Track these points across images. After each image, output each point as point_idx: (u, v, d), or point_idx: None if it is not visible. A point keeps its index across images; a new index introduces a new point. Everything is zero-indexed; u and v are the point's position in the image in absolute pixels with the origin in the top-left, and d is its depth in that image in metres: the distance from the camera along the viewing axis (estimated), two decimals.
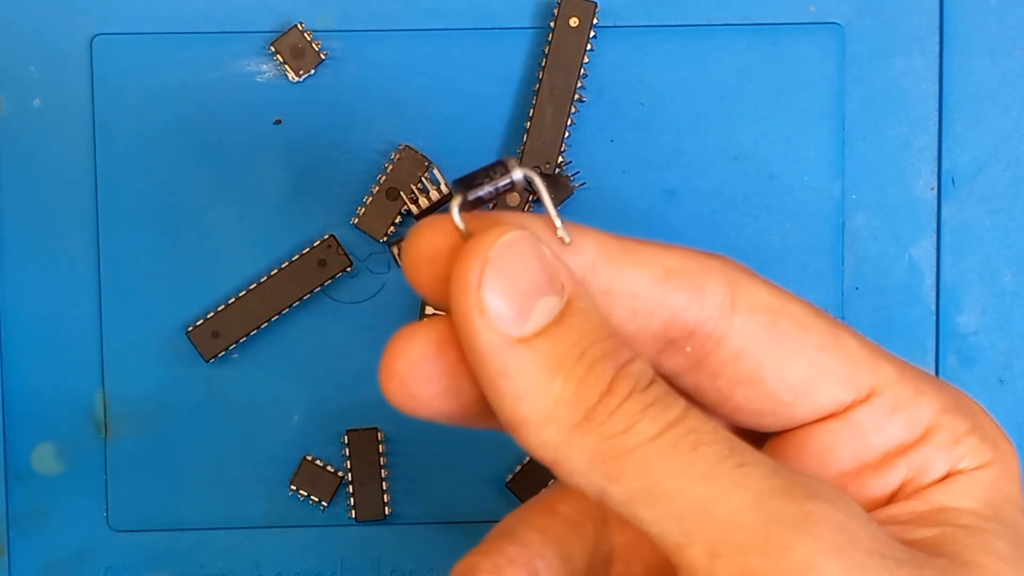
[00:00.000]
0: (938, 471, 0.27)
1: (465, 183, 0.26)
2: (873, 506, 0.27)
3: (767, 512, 0.23)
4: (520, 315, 0.25)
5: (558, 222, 0.26)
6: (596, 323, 0.25)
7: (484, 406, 0.26)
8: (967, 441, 0.27)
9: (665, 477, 0.24)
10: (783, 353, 0.27)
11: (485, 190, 0.26)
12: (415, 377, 0.27)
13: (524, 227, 0.26)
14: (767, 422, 0.28)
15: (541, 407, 0.25)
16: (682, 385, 0.28)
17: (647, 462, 0.24)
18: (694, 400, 0.28)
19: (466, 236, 0.26)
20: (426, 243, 0.26)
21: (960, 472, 0.27)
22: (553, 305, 0.25)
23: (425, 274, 0.26)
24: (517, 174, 0.26)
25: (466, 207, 0.26)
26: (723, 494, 0.24)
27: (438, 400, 0.27)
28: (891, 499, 0.27)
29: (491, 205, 0.26)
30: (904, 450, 0.27)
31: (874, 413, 0.27)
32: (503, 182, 0.26)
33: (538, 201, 0.39)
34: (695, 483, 0.24)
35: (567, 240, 0.26)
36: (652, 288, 0.27)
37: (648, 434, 0.24)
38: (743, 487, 0.24)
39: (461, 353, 0.26)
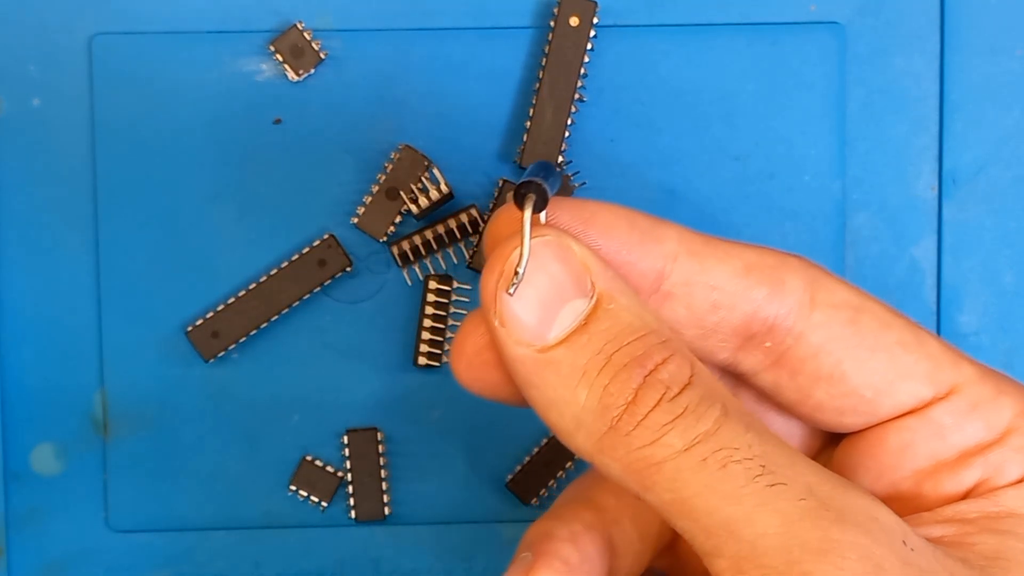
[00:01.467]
0: (1014, 474, 0.26)
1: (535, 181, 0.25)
2: (945, 503, 0.27)
3: (791, 536, 0.23)
4: (542, 324, 0.25)
5: (526, 255, 0.25)
6: (627, 323, 0.25)
7: None
8: None
9: (694, 493, 0.24)
10: (864, 349, 0.27)
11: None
12: (482, 361, 0.27)
13: (557, 229, 0.25)
14: (848, 420, 0.28)
15: (568, 416, 0.25)
16: (762, 383, 0.28)
17: (676, 476, 0.24)
18: (774, 399, 0.28)
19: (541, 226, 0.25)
20: (498, 228, 0.27)
21: None
22: (580, 309, 0.25)
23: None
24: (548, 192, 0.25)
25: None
26: (751, 515, 0.23)
27: (502, 384, 0.27)
28: (964, 497, 0.27)
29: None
30: (981, 450, 0.27)
31: (953, 411, 0.27)
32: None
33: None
34: (723, 502, 0.24)
35: (510, 292, 0.25)
36: (733, 281, 0.27)
37: (677, 447, 0.24)
38: (772, 508, 0.23)
39: None
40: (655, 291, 0.27)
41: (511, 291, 0.25)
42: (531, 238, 0.25)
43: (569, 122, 0.38)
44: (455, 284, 0.39)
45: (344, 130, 0.38)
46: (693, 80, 0.38)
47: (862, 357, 0.27)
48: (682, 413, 0.24)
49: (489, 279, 0.25)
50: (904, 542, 0.24)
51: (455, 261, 0.39)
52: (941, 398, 0.27)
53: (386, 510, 0.39)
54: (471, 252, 0.39)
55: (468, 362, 0.27)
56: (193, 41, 0.38)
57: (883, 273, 0.39)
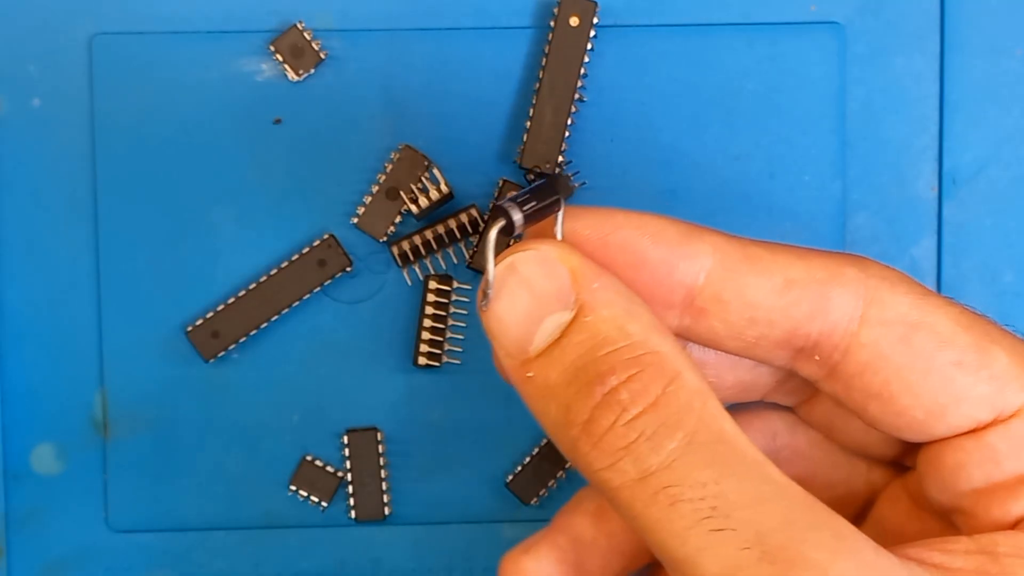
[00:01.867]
0: None
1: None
2: (996, 528, 0.26)
3: None
4: (524, 337, 0.25)
5: (490, 275, 0.26)
6: (603, 336, 0.25)
7: None
8: None
9: (646, 526, 0.24)
10: (915, 370, 0.26)
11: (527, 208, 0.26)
12: None
13: (549, 241, 0.26)
14: (905, 435, 0.27)
15: (547, 425, 0.25)
16: (825, 390, 0.27)
17: (631, 505, 0.24)
18: (841, 404, 0.28)
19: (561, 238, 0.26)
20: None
21: None
22: (562, 321, 0.25)
23: None
24: (518, 216, 0.26)
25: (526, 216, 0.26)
26: (693, 558, 0.23)
27: None
28: (1014, 526, 0.25)
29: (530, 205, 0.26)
30: None
31: (1010, 436, 0.26)
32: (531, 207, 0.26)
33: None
34: (671, 540, 0.23)
35: (483, 308, 0.26)
36: (770, 298, 0.26)
37: (631, 475, 0.24)
38: (713, 554, 0.23)
39: None
40: (688, 306, 0.26)
41: (483, 306, 0.25)
42: (519, 252, 0.26)
43: (569, 122, 0.38)
44: (455, 284, 0.39)
45: (344, 130, 0.38)
46: (693, 80, 0.38)
47: (912, 379, 0.26)
48: (636, 439, 0.24)
49: (479, 294, 0.26)
50: None
51: (455, 261, 0.39)
52: (1003, 420, 0.26)
53: (386, 510, 0.39)
54: (471, 252, 0.39)
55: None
56: (193, 41, 0.38)
57: None
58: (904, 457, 0.30)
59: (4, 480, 0.39)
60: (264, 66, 0.38)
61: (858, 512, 0.30)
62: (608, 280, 0.25)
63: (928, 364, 0.26)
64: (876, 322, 0.26)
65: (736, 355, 0.28)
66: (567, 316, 0.25)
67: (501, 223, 0.25)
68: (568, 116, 0.38)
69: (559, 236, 0.26)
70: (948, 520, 0.27)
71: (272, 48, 0.38)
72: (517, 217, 0.25)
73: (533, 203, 0.26)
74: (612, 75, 0.38)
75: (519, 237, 0.27)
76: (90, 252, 0.38)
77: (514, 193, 0.26)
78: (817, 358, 0.27)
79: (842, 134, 0.39)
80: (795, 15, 0.38)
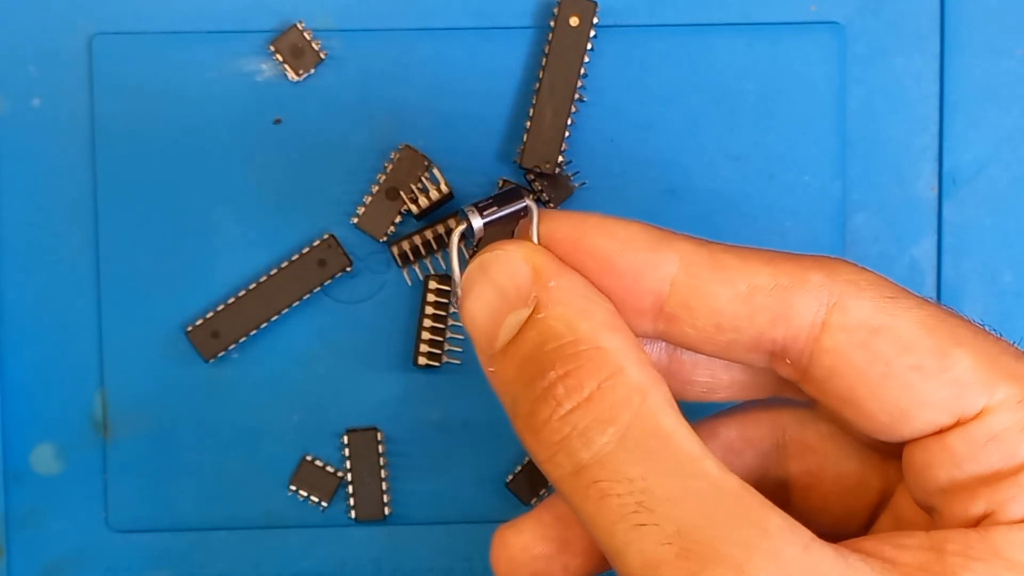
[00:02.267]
0: (1016, 513, 0.25)
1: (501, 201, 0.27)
2: (959, 526, 0.26)
3: None
4: (491, 333, 0.26)
5: (456, 276, 0.27)
6: (553, 332, 0.25)
7: None
8: None
9: (582, 518, 0.24)
10: (875, 374, 0.26)
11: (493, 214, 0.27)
12: None
13: (516, 241, 0.27)
14: (878, 436, 0.27)
15: (511, 416, 0.26)
16: (805, 391, 0.27)
17: (570, 497, 0.24)
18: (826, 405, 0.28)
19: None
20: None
21: None
22: (521, 317, 0.26)
23: None
24: (477, 222, 0.27)
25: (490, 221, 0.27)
26: (620, 551, 0.24)
27: None
28: (975, 524, 0.26)
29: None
30: (991, 481, 0.25)
31: (969, 439, 0.26)
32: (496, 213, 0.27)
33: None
34: (601, 533, 0.24)
35: (455, 307, 0.27)
36: (733, 305, 0.26)
37: (566, 468, 0.24)
38: (637, 548, 0.23)
39: None
40: (659, 312, 0.27)
41: (456, 305, 0.27)
42: (488, 252, 0.27)
43: (569, 122, 0.38)
44: None
45: (344, 130, 0.38)
46: (693, 80, 0.38)
47: (873, 383, 0.26)
48: (569, 433, 0.24)
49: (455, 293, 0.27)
50: None
51: None
52: (964, 423, 0.26)
53: (386, 510, 0.39)
54: (471, 252, 0.39)
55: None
56: (193, 41, 0.38)
57: (883, 273, 0.39)
58: None
59: (4, 480, 0.39)
60: (264, 66, 0.38)
61: (875, 501, 0.30)
62: (568, 279, 0.26)
63: (887, 369, 0.26)
64: (838, 327, 0.26)
65: (716, 357, 0.28)
66: (526, 313, 0.25)
67: (463, 227, 0.27)
68: (568, 116, 0.38)
69: (535, 239, 0.27)
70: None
71: (272, 48, 0.38)
72: (477, 223, 0.27)
73: (494, 208, 0.27)
74: (612, 75, 0.38)
75: (511, 237, 0.28)
76: (90, 252, 0.38)
77: (479, 199, 0.27)
78: (788, 362, 0.27)
79: (842, 134, 0.39)
80: (795, 15, 0.38)
